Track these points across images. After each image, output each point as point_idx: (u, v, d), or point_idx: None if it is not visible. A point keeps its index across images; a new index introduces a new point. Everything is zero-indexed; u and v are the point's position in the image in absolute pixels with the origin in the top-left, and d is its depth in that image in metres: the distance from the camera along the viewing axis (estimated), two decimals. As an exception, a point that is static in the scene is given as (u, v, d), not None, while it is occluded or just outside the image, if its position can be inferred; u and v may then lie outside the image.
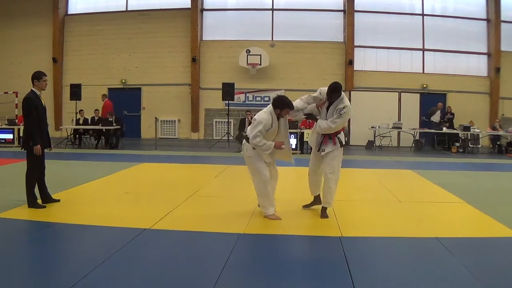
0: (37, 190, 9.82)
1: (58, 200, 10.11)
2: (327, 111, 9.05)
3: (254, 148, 8.78)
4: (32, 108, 9.57)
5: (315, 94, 9.29)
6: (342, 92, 9.03)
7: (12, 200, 9.94)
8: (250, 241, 7.67)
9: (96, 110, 24.59)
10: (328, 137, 9.08)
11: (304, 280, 5.93)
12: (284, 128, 9.10)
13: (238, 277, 6.09)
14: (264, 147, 8.56)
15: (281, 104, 8.75)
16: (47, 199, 9.98)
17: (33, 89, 9.80)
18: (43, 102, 9.87)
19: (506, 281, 6.00)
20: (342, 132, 9.28)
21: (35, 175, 9.77)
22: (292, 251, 7.37)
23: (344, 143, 9.23)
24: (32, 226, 8.33)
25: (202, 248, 7.28)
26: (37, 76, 9.80)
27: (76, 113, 24.69)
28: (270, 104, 8.90)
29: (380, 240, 7.73)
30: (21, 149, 10.03)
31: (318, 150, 9.27)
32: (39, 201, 9.79)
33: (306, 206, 9.81)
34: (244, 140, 9.06)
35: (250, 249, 7.36)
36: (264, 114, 8.75)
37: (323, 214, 9.15)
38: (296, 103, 9.18)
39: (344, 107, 8.83)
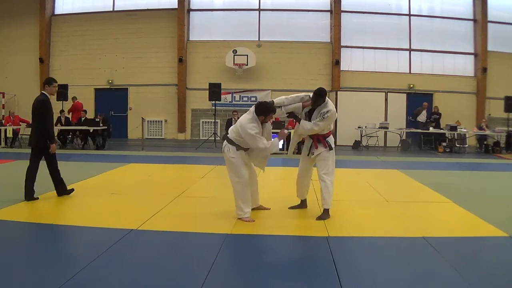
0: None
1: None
2: (309, 114, 9.08)
3: (237, 150, 8.75)
4: (49, 109, 10.38)
5: (302, 95, 9.26)
6: (327, 98, 9.02)
7: (1, 201, 9.88)
8: (237, 241, 7.64)
9: (84, 110, 24.46)
10: (317, 141, 9.07)
11: (292, 280, 5.92)
12: (267, 133, 9.02)
13: (226, 278, 6.08)
14: (271, 147, 8.68)
15: (266, 111, 8.66)
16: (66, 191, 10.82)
17: (44, 92, 10.55)
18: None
19: (493, 281, 6.01)
20: (331, 136, 9.23)
21: (36, 171, 10.39)
22: (279, 251, 7.34)
23: (333, 147, 9.17)
24: (19, 227, 8.25)
25: (189, 248, 7.26)
26: (48, 82, 10.62)
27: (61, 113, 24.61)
28: (253, 111, 8.74)
29: (367, 240, 7.73)
30: (30, 146, 10.67)
31: (308, 154, 9.27)
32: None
33: (292, 208, 9.78)
34: (226, 141, 9.02)
35: (237, 249, 7.33)
36: (252, 121, 8.65)
37: (325, 215, 9.04)
38: (281, 99, 9.16)
39: (327, 111, 8.82)
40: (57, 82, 10.86)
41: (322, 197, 9.12)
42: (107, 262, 6.42)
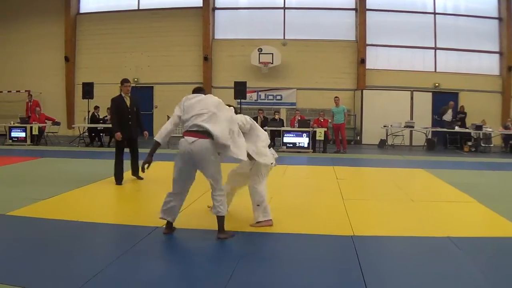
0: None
1: (142, 178, 12.99)
2: None
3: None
4: (114, 106, 12.59)
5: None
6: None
7: (25, 198, 10.00)
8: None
9: (109, 108, 24.44)
10: None
11: (314, 278, 5.92)
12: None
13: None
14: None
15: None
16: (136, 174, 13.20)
17: (121, 93, 12.64)
18: (127, 102, 12.60)
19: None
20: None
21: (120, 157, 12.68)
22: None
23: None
24: (44, 224, 8.30)
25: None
26: (120, 82, 12.72)
27: (88, 111, 24.78)
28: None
29: (392, 239, 7.72)
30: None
31: None
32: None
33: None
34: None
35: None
36: None
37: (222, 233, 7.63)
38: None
39: None
40: (128, 82, 12.75)
41: None
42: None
